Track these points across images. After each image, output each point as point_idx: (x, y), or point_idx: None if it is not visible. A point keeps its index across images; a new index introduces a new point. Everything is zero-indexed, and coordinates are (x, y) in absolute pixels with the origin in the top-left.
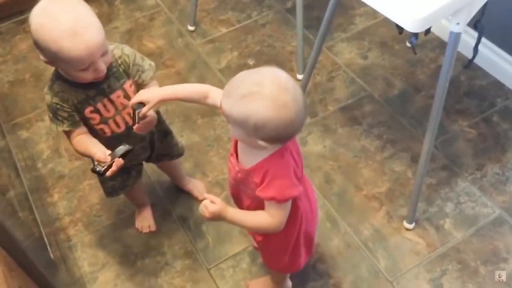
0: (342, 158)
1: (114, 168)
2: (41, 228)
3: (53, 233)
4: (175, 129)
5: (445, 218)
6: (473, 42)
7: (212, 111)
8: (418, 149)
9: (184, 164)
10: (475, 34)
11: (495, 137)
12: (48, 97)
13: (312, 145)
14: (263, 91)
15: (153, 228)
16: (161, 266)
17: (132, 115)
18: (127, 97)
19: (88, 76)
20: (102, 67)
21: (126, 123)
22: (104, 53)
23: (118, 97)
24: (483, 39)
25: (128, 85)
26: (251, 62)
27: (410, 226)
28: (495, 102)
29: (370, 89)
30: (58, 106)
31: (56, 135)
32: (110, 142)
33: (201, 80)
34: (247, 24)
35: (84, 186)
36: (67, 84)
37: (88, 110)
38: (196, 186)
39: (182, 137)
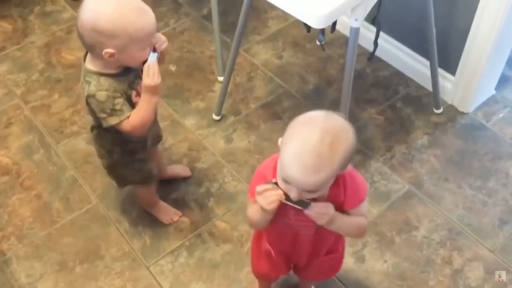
0: (266, 152)
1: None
2: None
3: None
4: None
5: None
6: (373, 37)
7: None
8: None
9: None
10: (375, 30)
11: (400, 121)
12: (101, 93)
13: (237, 141)
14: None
15: (179, 212)
16: (100, 269)
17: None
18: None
19: (146, 54)
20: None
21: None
22: None
23: None
24: (383, 34)
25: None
26: (173, 68)
27: None
28: (398, 90)
29: (287, 86)
30: (115, 95)
31: None
32: (153, 125)
33: None
34: (166, 32)
35: (13, 201)
36: (110, 77)
37: (133, 95)
38: (180, 167)
39: None
